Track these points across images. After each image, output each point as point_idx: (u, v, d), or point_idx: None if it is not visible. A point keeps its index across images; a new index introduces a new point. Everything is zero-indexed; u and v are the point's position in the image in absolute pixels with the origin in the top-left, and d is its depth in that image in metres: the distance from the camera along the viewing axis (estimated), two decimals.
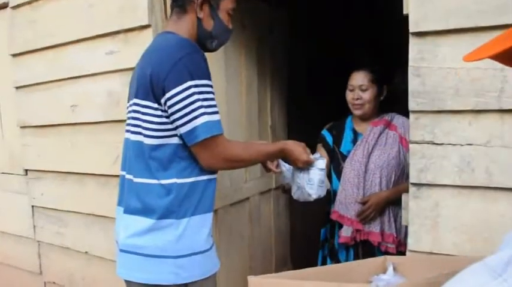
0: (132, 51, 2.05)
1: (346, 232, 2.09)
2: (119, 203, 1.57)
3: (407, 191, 1.95)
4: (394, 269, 1.23)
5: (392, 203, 2.04)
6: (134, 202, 1.46)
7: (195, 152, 1.41)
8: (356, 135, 2.18)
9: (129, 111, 1.51)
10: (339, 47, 3.71)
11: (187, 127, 1.35)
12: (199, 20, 1.50)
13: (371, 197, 2.02)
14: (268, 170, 1.74)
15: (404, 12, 1.51)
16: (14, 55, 2.68)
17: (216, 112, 1.39)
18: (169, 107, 1.35)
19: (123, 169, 1.56)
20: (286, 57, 3.07)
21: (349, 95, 2.13)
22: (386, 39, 3.42)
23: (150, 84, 1.37)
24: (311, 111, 3.43)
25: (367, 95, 2.08)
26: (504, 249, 0.57)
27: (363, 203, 2.03)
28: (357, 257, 2.10)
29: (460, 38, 1.43)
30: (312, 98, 3.56)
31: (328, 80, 3.80)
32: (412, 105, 1.52)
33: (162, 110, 1.38)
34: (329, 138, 2.24)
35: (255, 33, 2.65)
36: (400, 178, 2.07)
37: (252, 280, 1.16)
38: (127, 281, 1.49)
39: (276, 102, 2.98)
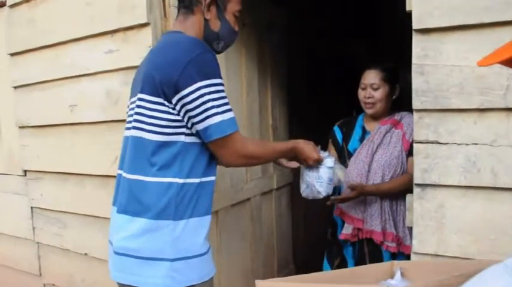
0: (131, 50, 2.03)
1: (346, 229, 2.11)
2: (114, 203, 1.54)
3: (389, 190, 1.99)
4: (402, 274, 1.21)
5: (394, 200, 2.04)
6: (129, 201, 1.43)
7: (213, 149, 1.43)
8: (364, 133, 2.17)
9: (132, 108, 1.50)
10: (339, 46, 3.68)
11: (202, 125, 1.37)
12: (206, 21, 1.50)
13: (357, 187, 1.99)
14: (283, 166, 1.75)
15: (407, 8, 1.48)
16: (12, 54, 2.65)
17: (229, 110, 1.39)
18: (183, 105, 1.35)
19: (120, 167, 1.54)
20: (286, 56, 3.05)
21: (361, 94, 2.12)
22: (387, 36, 3.39)
23: (160, 82, 1.36)
24: (312, 111, 3.40)
25: (378, 94, 2.07)
26: None
27: (351, 188, 2.01)
28: (362, 254, 2.09)
29: (465, 34, 1.40)
30: (312, 97, 3.53)
31: (329, 79, 3.79)
32: (415, 104, 1.49)
33: (172, 108, 1.37)
34: (339, 135, 2.25)
35: (255, 31, 2.63)
36: (401, 177, 2.04)
37: (260, 284, 1.13)
38: (122, 285, 1.46)
39: (277, 101, 2.96)
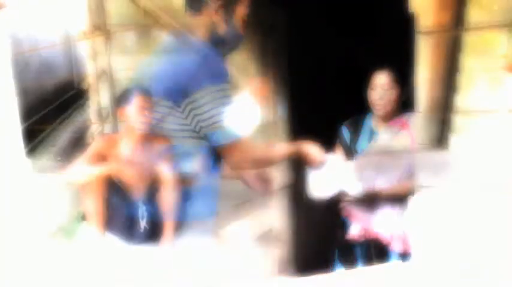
0: None
1: (354, 230, 2.15)
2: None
3: (395, 192, 2.01)
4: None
5: (401, 200, 2.03)
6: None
7: (220, 153, 1.44)
8: (372, 134, 2.18)
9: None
10: (341, 45, 3.68)
11: (210, 130, 1.37)
12: (213, 23, 1.49)
13: (365, 190, 2.02)
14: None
15: (411, 9, 1.48)
16: None
17: (237, 115, 1.40)
18: (191, 110, 1.35)
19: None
20: (287, 56, 3.04)
21: (371, 95, 2.12)
22: (391, 37, 3.38)
23: (168, 86, 1.36)
24: (313, 111, 3.39)
25: (389, 95, 2.07)
26: None
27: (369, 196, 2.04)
28: (369, 254, 2.11)
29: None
30: (314, 97, 3.53)
31: (330, 79, 3.78)
32: (420, 105, 1.49)
33: (180, 112, 1.37)
34: (346, 135, 2.26)
35: (257, 31, 2.62)
36: (407, 178, 2.05)
37: (260, 285, 1.13)
38: None
39: (278, 101, 2.95)
